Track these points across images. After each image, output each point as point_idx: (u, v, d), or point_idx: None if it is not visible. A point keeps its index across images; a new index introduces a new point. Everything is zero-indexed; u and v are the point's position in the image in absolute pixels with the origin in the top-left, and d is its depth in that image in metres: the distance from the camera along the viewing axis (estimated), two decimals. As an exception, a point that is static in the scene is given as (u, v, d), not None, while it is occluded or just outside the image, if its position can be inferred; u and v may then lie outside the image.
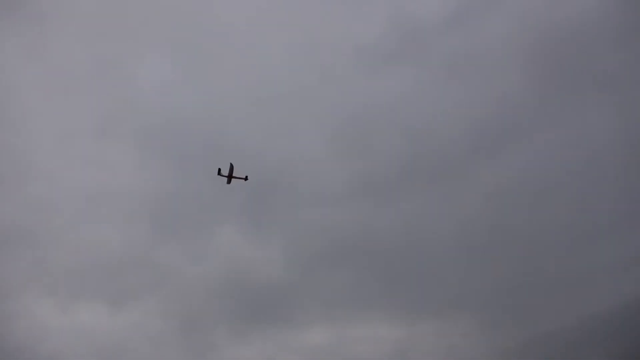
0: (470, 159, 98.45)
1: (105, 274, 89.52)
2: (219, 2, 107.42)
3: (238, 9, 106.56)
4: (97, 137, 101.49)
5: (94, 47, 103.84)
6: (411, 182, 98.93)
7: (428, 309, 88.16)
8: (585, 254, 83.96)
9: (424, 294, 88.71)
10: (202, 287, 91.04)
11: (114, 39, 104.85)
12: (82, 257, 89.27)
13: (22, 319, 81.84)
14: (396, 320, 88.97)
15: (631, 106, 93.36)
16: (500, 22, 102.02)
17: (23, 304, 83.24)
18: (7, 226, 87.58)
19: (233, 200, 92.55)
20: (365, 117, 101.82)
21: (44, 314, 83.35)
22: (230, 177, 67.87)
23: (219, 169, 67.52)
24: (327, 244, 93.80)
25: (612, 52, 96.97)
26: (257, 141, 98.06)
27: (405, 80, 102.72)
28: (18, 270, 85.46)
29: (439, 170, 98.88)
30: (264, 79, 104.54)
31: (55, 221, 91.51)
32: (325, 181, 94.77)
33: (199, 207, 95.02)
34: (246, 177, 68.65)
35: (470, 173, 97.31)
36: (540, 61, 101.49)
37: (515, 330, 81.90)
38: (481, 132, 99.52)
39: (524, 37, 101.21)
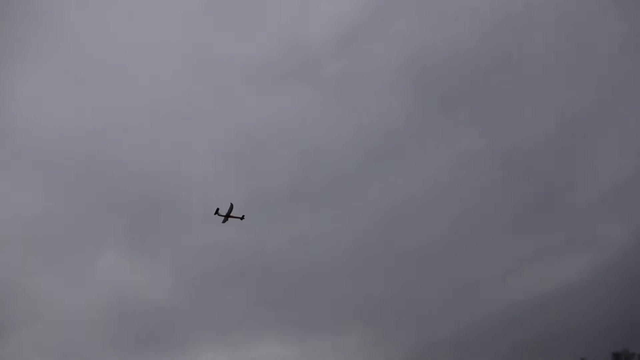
0: (359, 177, 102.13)
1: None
2: (106, 15, 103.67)
3: (125, 23, 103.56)
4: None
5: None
6: (303, 200, 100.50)
7: (322, 325, 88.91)
8: (468, 265, 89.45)
9: (318, 311, 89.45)
10: (83, 317, 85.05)
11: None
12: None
13: None
14: (291, 338, 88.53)
15: (504, 126, 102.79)
16: (387, 48, 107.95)
17: None
18: None
19: (116, 221, 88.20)
20: (256, 134, 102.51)
21: None
22: (227, 216, 67.34)
23: (217, 209, 66.87)
24: (217, 265, 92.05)
25: (486, 78, 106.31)
26: (143, 158, 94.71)
27: (296, 99, 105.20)
28: None
29: (329, 189, 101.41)
30: (150, 95, 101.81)
31: None
32: (215, 199, 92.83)
33: (78, 230, 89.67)
34: (242, 216, 68.14)
35: (360, 191, 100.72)
36: (423, 85, 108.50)
37: (409, 340, 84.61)
38: (370, 152, 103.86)
39: (409, 63, 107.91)
